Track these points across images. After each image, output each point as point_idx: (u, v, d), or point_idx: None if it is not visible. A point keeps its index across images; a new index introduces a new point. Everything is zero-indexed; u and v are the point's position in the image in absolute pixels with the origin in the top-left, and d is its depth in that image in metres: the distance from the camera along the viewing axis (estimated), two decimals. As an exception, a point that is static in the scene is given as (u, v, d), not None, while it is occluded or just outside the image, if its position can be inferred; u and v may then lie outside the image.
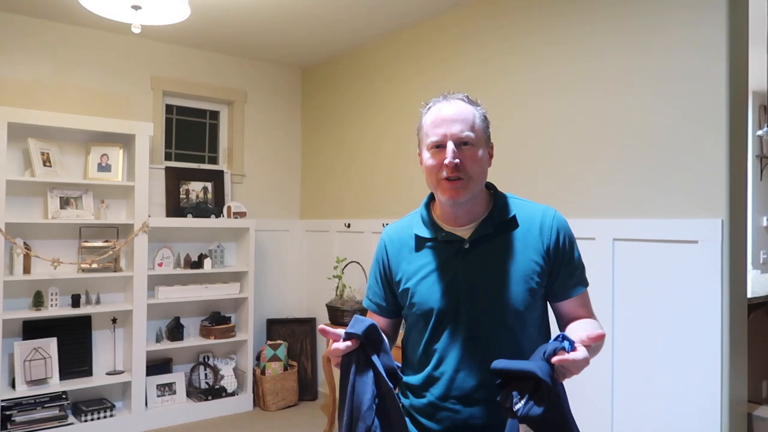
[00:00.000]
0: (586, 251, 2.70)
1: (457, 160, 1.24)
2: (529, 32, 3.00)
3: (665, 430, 2.37)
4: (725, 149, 2.23)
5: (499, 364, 1.12)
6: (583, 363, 1.04)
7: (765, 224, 5.44)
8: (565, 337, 1.08)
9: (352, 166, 4.31)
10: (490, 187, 1.38)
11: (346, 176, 4.39)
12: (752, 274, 4.39)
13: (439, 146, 1.26)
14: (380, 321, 1.44)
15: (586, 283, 1.36)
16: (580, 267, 1.35)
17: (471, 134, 1.27)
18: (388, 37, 3.98)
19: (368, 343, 1.18)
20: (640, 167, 2.51)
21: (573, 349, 1.05)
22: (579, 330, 1.21)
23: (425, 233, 1.35)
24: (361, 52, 4.25)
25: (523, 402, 1.03)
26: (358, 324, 1.18)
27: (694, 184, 2.32)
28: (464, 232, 1.32)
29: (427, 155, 1.29)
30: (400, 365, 1.28)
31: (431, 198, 1.41)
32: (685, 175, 2.35)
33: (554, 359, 1.03)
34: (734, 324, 2.23)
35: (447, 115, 1.27)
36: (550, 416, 1.03)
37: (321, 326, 1.18)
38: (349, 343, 1.16)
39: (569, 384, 1.12)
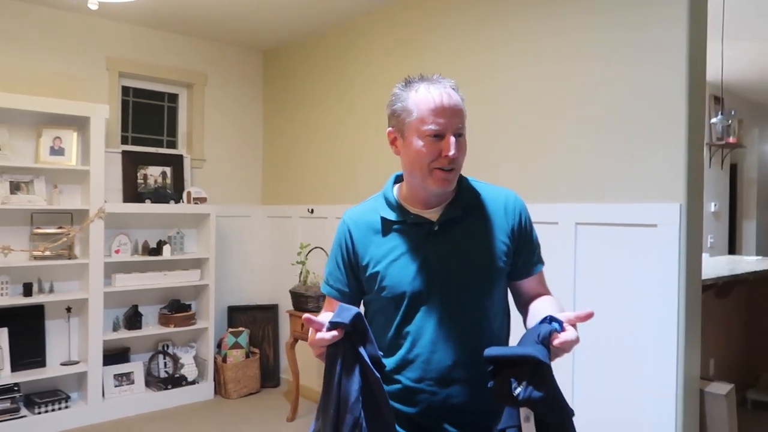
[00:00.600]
0: (549, 235, 2.77)
1: (457, 154, 1.25)
2: (491, 13, 3.02)
3: (624, 406, 2.46)
4: (684, 136, 2.31)
5: (493, 351, 1.12)
6: (576, 342, 1.08)
7: (713, 210, 5.68)
8: (553, 319, 1.10)
9: (315, 152, 4.27)
10: None
11: (308, 161, 4.35)
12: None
13: (438, 136, 1.24)
14: None
15: (543, 262, 1.41)
16: (539, 246, 1.41)
17: (463, 126, 1.29)
18: (352, 21, 3.94)
19: (354, 332, 1.14)
20: (602, 154, 2.57)
21: (563, 329, 1.08)
22: (548, 309, 1.25)
23: (393, 216, 1.34)
24: (324, 35, 4.20)
25: (522, 387, 1.04)
26: (345, 313, 1.14)
27: (654, 169, 2.40)
28: (432, 215, 1.32)
29: (420, 142, 1.25)
30: (382, 353, 1.26)
31: (395, 181, 1.40)
32: (645, 161, 2.42)
33: (556, 342, 1.06)
34: (690, 304, 2.33)
35: (448, 104, 1.25)
36: (549, 397, 1.05)
37: (306, 315, 1.13)
38: (335, 332, 1.11)
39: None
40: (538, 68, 2.82)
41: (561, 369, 2.61)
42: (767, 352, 4.07)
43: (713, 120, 4.86)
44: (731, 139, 5.30)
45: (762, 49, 4.69)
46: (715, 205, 5.72)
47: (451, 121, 1.24)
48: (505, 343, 1.38)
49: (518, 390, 1.05)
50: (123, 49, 4.11)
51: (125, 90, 4.27)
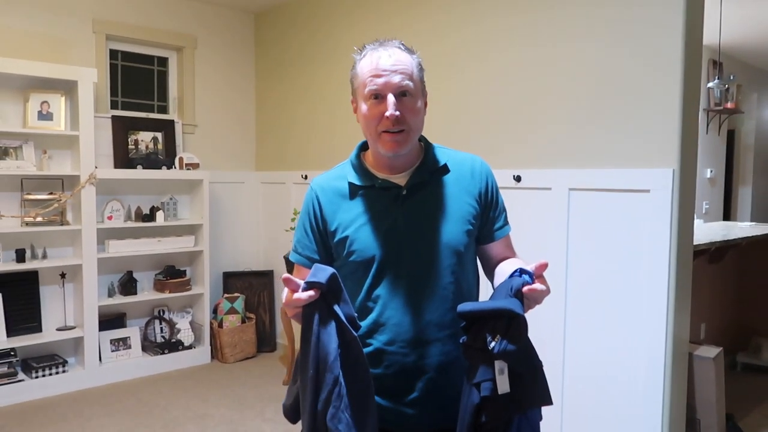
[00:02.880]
0: (542, 201, 2.76)
1: (397, 113, 1.23)
2: (490, -21, 2.95)
3: (615, 368, 2.49)
4: (679, 101, 2.28)
5: (466, 307, 1.13)
6: (547, 292, 1.10)
7: (708, 176, 5.67)
8: (523, 271, 1.11)
9: (309, 117, 4.22)
10: (420, 137, 1.39)
11: (303, 127, 4.30)
12: (695, 223, 4.59)
13: (378, 96, 1.24)
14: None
15: (509, 225, 1.43)
16: (505, 210, 1.42)
17: (410, 84, 1.25)
18: (345, -18, 3.84)
19: (329, 291, 1.14)
20: (596, 119, 2.54)
21: (533, 281, 1.10)
22: (516, 266, 1.26)
23: (361, 181, 1.33)
24: (317, -3, 4.10)
25: (497, 341, 1.05)
26: (320, 273, 1.14)
27: (647, 135, 2.37)
28: (400, 180, 1.32)
29: (364, 106, 1.26)
30: (357, 314, 1.27)
31: (362, 147, 1.40)
32: (639, 126, 2.40)
33: (527, 289, 1.07)
34: (681, 269, 2.34)
35: (386, 64, 1.24)
36: (523, 349, 1.07)
37: (285, 275, 1.13)
38: (311, 292, 1.12)
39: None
40: (532, 33, 2.76)
41: (553, 331, 2.64)
42: (758, 316, 4.12)
43: (710, 84, 4.81)
44: (729, 105, 5.24)
45: (762, 13, 4.60)
46: (711, 171, 5.70)
47: (389, 81, 1.23)
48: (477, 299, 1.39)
49: (493, 344, 1.06)
50: (110, 11, 4.01)
51: (113, 53, 4.18)
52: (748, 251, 4.00)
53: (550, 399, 1.13)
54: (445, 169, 1.35)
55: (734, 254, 3.89)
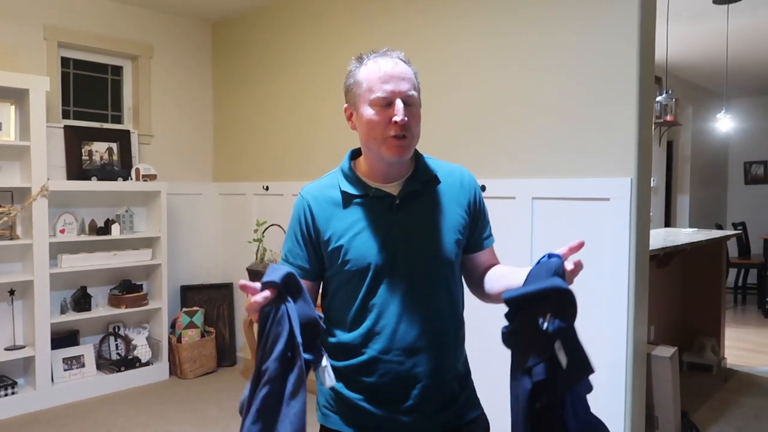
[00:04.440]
0: (507, 210, 2.85)
1: (406, 118, 1.26)
2: (445, 4, 3.04)
3: (577, 372, 2.59)
4: (635, 115, 2.41)
5: (512, 293, 1.11)
6: (582, 268, 1.16)
7: (652, 185, 5.96)
8: (552, 255, 1.14)
9: (269, 127, 4.20)
10: None
11: (262, 137, 4.27)
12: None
13: (386, 102, 1.26)
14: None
15: (493, 237, 1.48)
16: (489, 221, 1.47)
17: (415, 94, 1.30)
18: (307, -6, 3.86)
19: (286, 290, 1.11)
20: (558, 131, 2.65)
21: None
22: (511, 271, 1.32)
23: (354, 190, 1.34)
24: (276, 7, 4.10)
25: (550, 321, 1.05)
26: (275, 272, 1.11)
27: (607, 146, 2.49)
28: (392, 189, 1.34)
29: (370, 111, 1.27)
30: (322, 315, 1.23)
31: (353, 156, 1.41)
32: (598, 138, 2.52)
33: (572, 266, 1.13)
34: (639, 274, 2.46)
35: (394, 72, 1.27)
36: (573, 325, 1.07)
37: (241, 282, 1.10)
38: (267, 293, 1.08)
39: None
40: (495, 48, 2.86)
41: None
42: (700, 318, 4.36)
43: (658, 98, 5.08)
44: (669, 117, 5.54)
45: (694, 30, 4.91)
46: (654, 180, 6.00)
47: (398, 88, 1.26)
48: (463, 312, 1.41)
49: (546, 324, 1.06)
50: (62, 18, 3.89)
51: (65, 61, 4.05)
52: (691, 256, 4.23)
53: (592, 367, 1.11)
54: (436, 180, 1.38)
55: (679, 259, 4.11)
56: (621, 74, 2.44)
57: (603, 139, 2.50)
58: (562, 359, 1.06)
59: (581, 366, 1.09)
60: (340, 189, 1.36)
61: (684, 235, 4.43)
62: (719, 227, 7.08)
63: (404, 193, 1.34)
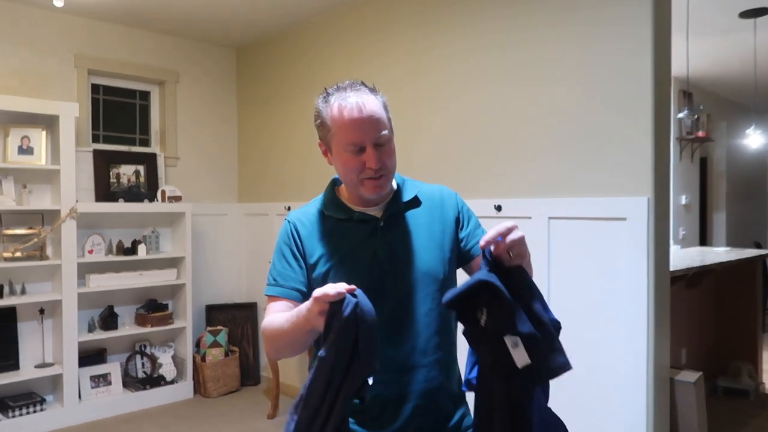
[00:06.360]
0: (523, 230, 2.80)
1: (379, 164, 1.27)
2: (464, 23, 3.04)
3: (597, 393, 2.51)
4: (650, 132, 2.36)
5: (448, 296, 1.10)
6: (522, 238, 1.09)
7: (684, 202, 5.80)
8: (483, 249, 1.09)
9: (291, 149, 4.26)
10: None
11: (284, 159, 4.33)
12: (672, 249, 4.68)
13: (358, 149, 1.26)
14: None
15: None
16: (480, 226, 1.45)
17: (386, 132, 1.29)
18: (325, 17, 3.93)
19: (361, 304, 1.07)
20: (573, 150, 2.61)
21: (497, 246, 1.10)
22: None
23: (338, 214, 1.36)
24: (298, 31, 4.18)
25: (485, 315, 1.05)
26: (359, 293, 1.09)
27: (622, 165, 2.44)
28: (376, 212, 1.36)
29: (343, 156, 1.28)
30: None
31: (335, 183, 1.43)
32: (614, 157, 2.47)
33: (484, 243, 1.07)
34: (659, 295, 2.39)
35: (362, 116, 1.25)
36: (512, 313, 1.04)
37: (322, 291, 1.07)
38: (343, 288, 1.06)
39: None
40: (512, 72, 2.85)
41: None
42: (735, 340, 4.19)
43: (679, 115, 4.97)
44: (700, 133, 5.41)
45: (725, 47, 4.80)
46: (686, 197, 5.84)
47: (367, 134, 1.25)
48: (455, 330, 1.39)
49: (483, 319, 1.05)
50: (91, 47, 4.05)
51: (95, 88, 4.20)
52: (724, 276, 4.08)
53: (569, 363, 1.07)
54: (417, 201, 1.39)
55: (711, 279, 3.97)
56: (635, 90, 2.40)
57: (618, 157, 2.46)
58: (519, 356, 1.04)
59: (551, 361, 1.06)
60: (325, 214, 1.37)
61: (715, 254, 4.28)
62: (758, 246, 6.82)
63: (387, 215, 1.35)
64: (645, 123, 2.37)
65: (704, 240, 6.79)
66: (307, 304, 1.12)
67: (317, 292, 1.07)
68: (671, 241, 4.97)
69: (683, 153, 5.67)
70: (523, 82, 2.80)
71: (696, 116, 5.07)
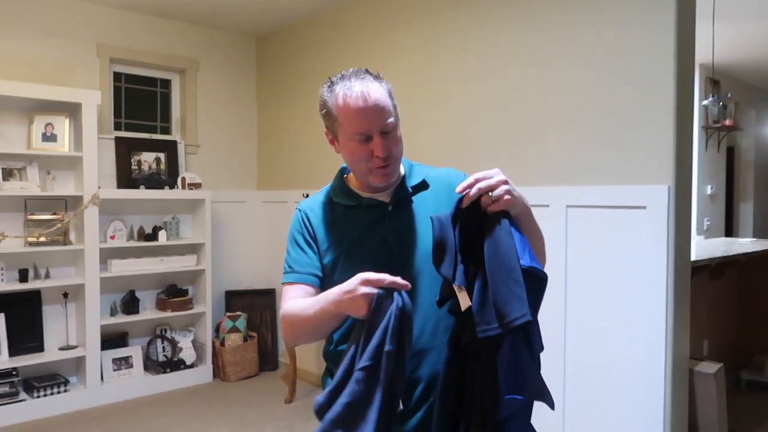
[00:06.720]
0: (540, 218, 2.76)
1: (387, 152, 1.26)
2: (487, 6, 3.00)
3: (614, 384, 2.49)
4: (672, 120, 2.31)
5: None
6: (500, 183, 1.11)
7: (709, 192, 5.68)
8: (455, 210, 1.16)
9: (310, 137, 4.27)
10: None
11: (303, 147, 4.34)
12: (696, 240, 4.59)
13: (365, 138, 1.26)
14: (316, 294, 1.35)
15: None
16: None
17: (392, 120, 1.28)
18: (342, 6, 3.91)
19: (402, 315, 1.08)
20: (592, 137, 2.57)
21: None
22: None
23: (347, 201, 1.37)
24: (317, 19, 4.17)
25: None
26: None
27: (642, 152, 2.39)
28: (384, 197, 1.36)
29: (350, 145, 1.28)
30: (340, 340, 1.23)
31: (343, 171, 1.44)
32: (634, 144, 2.42)
33: (468, 197, 1.12)
34: (678, 285, 2.34)
35: (368, 105, 1.24)
36: (442, 243, 1.13)
37: (366, 275, 1.10)
38: (396, 279, 1.08)
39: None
40: (529, 55, 2.81)
41: (552, 348, 2.63)
42: (759, 333, 4.10)
43: (704, 102, 4.84)
44: (727, 122, 5.27)
45: (754, 32, 4.66)
46: (712, 187, 5.71)
47: (374, 123, 1.25)
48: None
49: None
50: (114, 35, 4.09)
51: (117, 76, 4.25)
52: (749, 267, 3.99)
53: (527, 315, 1.03)
54: (425, 184, 1.39)
55: (735, 270, 3.89)
56: (656, 77, 2.34)
57: (638, 144, 2.41)
58: (462, 299, 1.10)
59: (505, 309, 1.03)
60: (334, 201, 1.39)
61: (740, 245, 4.19)
62: (787, 237, 6.65)
63: (395, 200, 1.35)
64: (667, 109, 2.32)
65: (730, 231, 6.64)
66: (343, 286, 1.12)
67: (369, 275, 1.09)
68: (694, 231, 4.87)
69: (709, 142, 5.53)
70: (540, 68, 2.76)
71: (722, 104, 4.93)
